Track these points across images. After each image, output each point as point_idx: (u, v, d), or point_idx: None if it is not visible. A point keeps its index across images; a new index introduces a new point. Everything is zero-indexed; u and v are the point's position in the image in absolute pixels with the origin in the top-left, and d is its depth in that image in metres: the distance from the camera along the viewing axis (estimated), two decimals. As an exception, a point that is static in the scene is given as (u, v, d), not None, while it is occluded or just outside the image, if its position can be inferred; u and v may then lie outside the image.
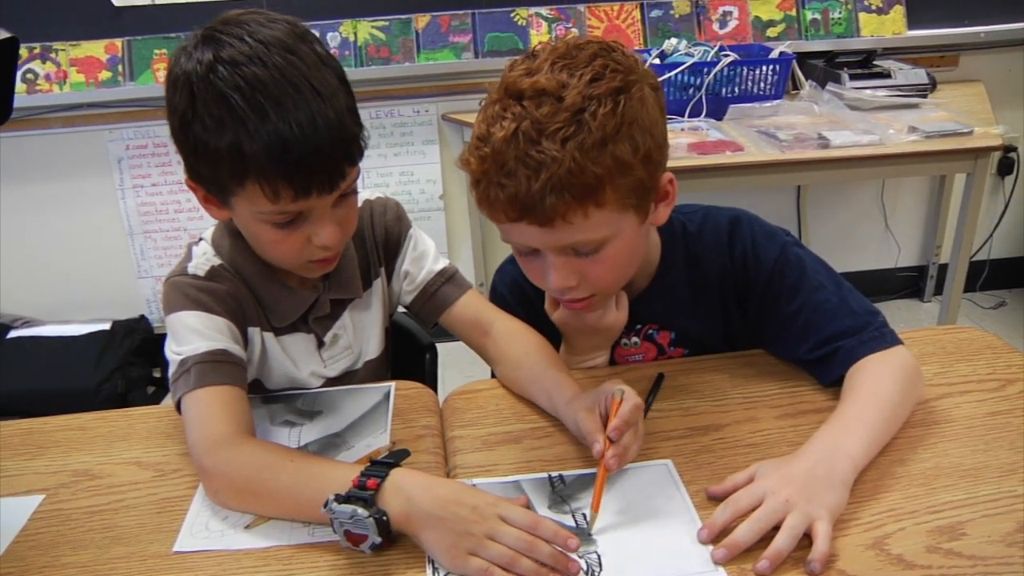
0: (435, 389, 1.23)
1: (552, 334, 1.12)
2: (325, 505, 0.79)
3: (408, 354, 1.36)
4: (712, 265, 1.11)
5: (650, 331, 1.15)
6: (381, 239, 1.18)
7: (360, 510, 0.79)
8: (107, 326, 2.65)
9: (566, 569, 0.77)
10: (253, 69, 0.87)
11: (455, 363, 2.33)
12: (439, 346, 1.38)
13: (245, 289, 1.07)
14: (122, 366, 2.54)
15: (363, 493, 0.80)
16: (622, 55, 0.92)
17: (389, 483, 0.82)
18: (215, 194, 0.97)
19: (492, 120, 0.89)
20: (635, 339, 1.16)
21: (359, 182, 1.01)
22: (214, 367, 0.97)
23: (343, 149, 0.92)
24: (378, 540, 0.80)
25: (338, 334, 1.15)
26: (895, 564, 0.76)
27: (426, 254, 1.19)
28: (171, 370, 0.99)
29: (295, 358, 1.12)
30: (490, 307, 1.18)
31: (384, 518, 0.79)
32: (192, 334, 0.99)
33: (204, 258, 1.06)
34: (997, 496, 0.84)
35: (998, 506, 0.83)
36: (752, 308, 1.10)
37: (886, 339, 1.01)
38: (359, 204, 1.08)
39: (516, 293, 1.19)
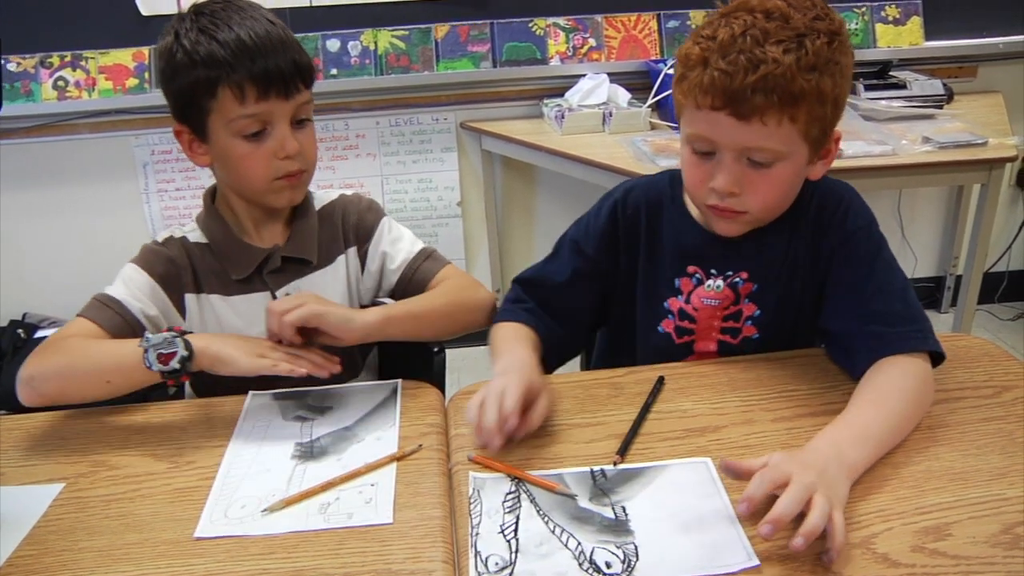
0: (443, 390, 1.26)
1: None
2: (142, 341, 1.04)
3: (418, 357, 1.39)
4: (810, 227, 1.14)
5: (737, 280, 1.17)
6: (352, 224, 1.33)
7: (171, 335, 1.05)
8: (130, 327, 2.70)
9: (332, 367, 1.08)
10: (223, 7, 1.15)
11: (472, 368, 2.37)
12: (458, 351, 1.41)
13: (187, 261, 1.24)
14: (144, 366, 2.59)
15: (173, 334, 1.06)
16: (835, 15, 1.03)
17: (191, 337, 1.07)
18: (197, 131, 1.17)
19: (719, 23, 1.01)
20: (719, 283, 1.18)
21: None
22: (100, 307, 1.18)
23: (293, 59, 1.15)
24: (185, 353, 1.05)
25: (290, 292, 1.25)
26: (880, 563, 0.78)
27: (403, 237, 1.34)
28: None
29: (247, 318, 1.25)
30: (463, 273, 1.34)
31: (187, 338, 1.06)
32: (120, 281, 1.21)
33: (171, 230, 1.27)
34: (985, 499, 0.86)
35: (985, 508, 0.84)
36: (823, 265, 1.13)
37: (926, 343, 1.04)
38: (335, 197, 1.33)
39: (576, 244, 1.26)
